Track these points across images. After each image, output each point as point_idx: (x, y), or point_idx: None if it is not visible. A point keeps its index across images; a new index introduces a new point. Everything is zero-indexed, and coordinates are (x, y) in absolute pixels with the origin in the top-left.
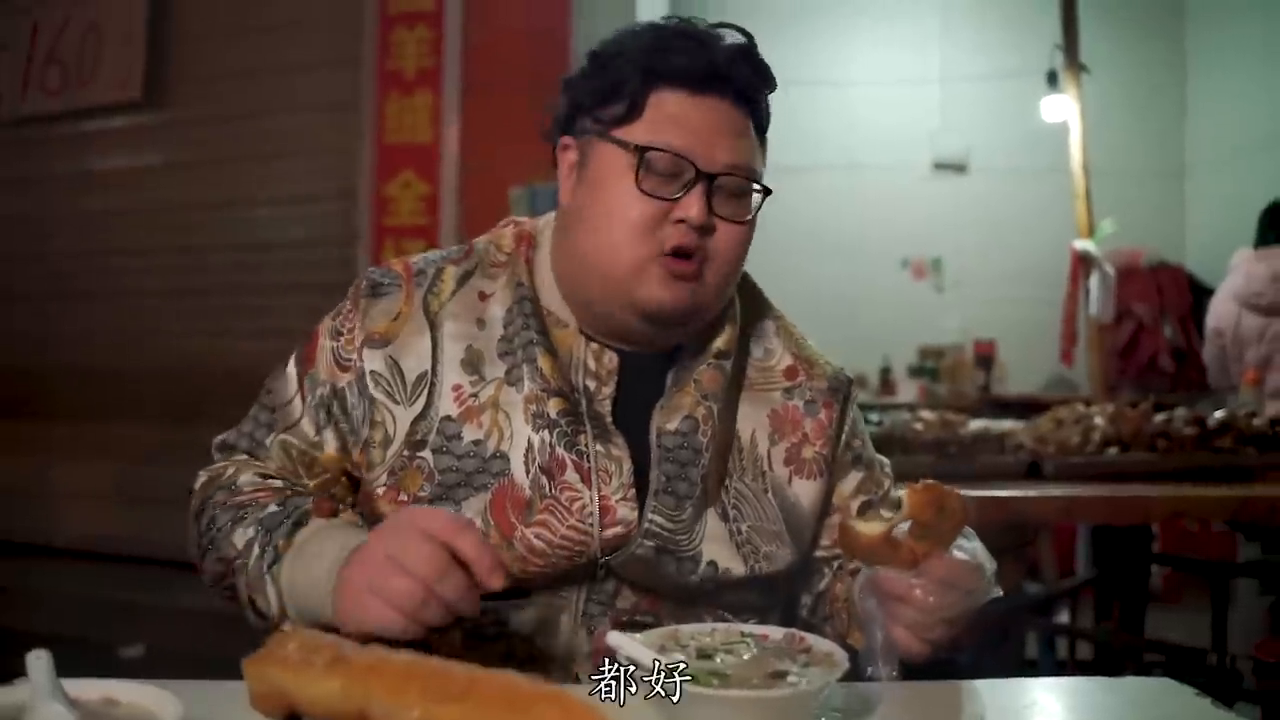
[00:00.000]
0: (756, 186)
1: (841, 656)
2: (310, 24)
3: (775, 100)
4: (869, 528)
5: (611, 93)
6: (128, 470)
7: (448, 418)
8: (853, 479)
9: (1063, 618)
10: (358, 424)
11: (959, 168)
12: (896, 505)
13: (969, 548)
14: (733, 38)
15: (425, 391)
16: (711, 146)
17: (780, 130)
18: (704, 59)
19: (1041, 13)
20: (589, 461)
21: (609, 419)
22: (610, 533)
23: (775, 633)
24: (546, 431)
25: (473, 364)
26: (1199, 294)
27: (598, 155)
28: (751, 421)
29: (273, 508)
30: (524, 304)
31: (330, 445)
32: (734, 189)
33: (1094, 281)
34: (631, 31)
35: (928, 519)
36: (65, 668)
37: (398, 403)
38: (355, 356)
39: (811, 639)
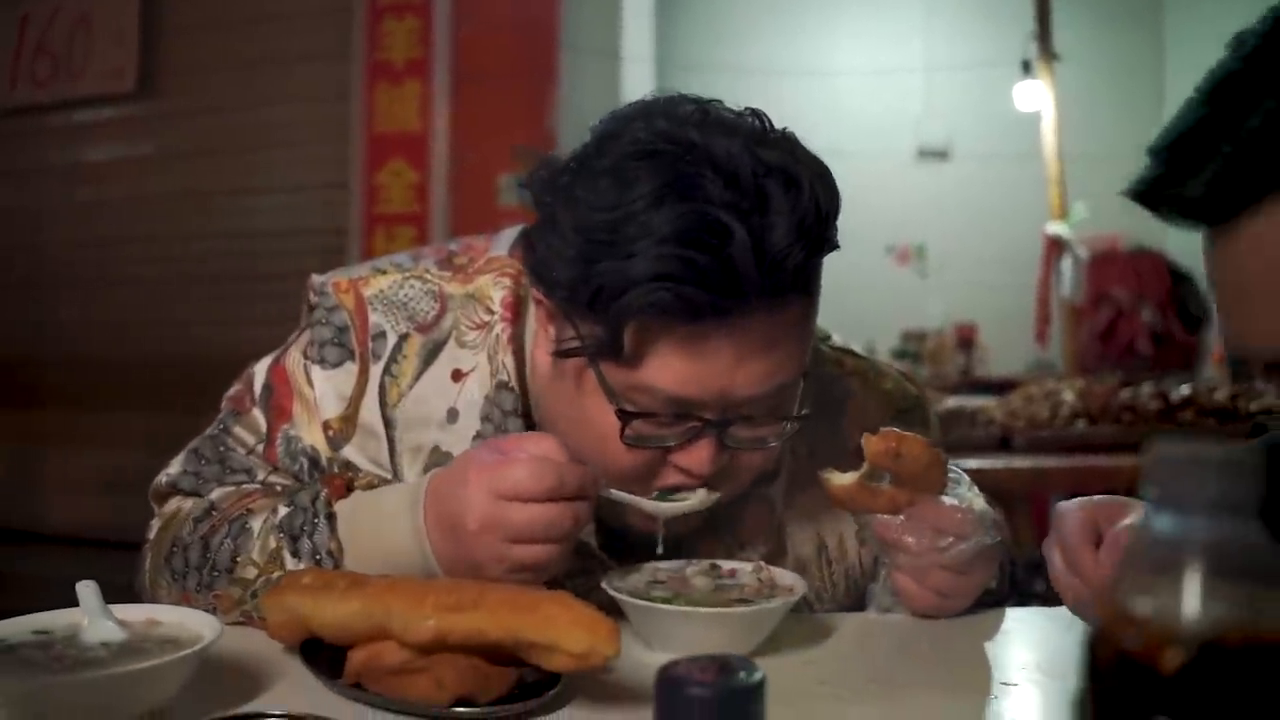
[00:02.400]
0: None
1: (801, 587)
2: (300, 15)
3: (759, 90)
4: (842, 478)
5: (591, 309)
6: (120, 458)
7: None
8: None
9: (1038, 587)
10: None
11: (942, 154)
12: None
13: (962, 494)
14: (777, 213)
15: None
16: (728, 385)
17: None
18: (706, 284)
19: (1020, 1)
20: None
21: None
22: None
23: (743, 568)
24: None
25: None
26: (1177, 279)
27: (576, 369)
28: (833, 521)
29: (283, 509)
30: (511, 419)
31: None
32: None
33: (1066, 264)
34: (613, 187)
35: (888, 465)
36: None
37: None
38: (326, 436)
39: (776, 572)
